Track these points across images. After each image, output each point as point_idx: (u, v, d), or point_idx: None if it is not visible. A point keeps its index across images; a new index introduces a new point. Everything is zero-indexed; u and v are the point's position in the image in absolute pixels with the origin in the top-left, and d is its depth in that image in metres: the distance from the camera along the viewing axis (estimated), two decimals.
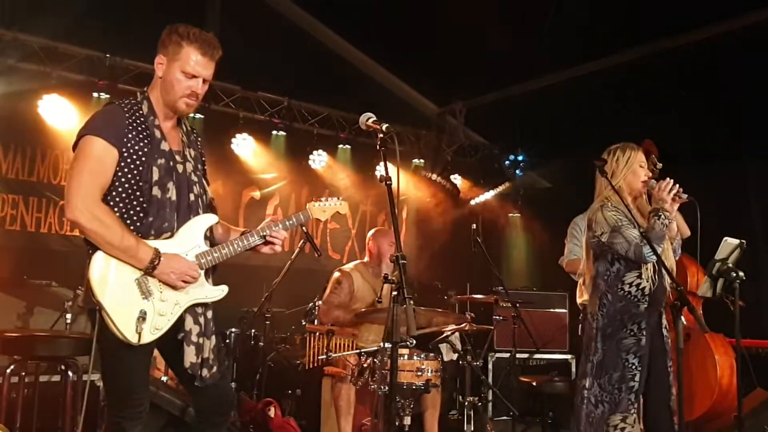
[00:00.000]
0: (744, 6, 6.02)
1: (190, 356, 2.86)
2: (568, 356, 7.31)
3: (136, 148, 2.82)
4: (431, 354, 4.74)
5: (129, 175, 2.81)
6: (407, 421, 4.59)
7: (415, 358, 4.62)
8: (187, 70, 2.90)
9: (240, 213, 7.61)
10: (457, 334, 5.52)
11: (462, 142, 8.84)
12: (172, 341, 2.88)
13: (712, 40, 6.33)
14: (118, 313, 2.71)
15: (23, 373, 4.59)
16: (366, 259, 5.47)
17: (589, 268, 4.00)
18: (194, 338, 2.88)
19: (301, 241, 5.05)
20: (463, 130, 8.73)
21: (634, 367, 3.76)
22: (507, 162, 8.87)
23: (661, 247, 3.73)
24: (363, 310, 4.84)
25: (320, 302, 5.48)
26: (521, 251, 8.89)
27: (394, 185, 2.93)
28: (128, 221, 2.81)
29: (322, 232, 8.23)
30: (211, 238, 3.06)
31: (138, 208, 2.83)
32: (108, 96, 6.48)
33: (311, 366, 5.07)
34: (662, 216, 3.64)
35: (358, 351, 4.78)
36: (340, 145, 8.05)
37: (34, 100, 6.14)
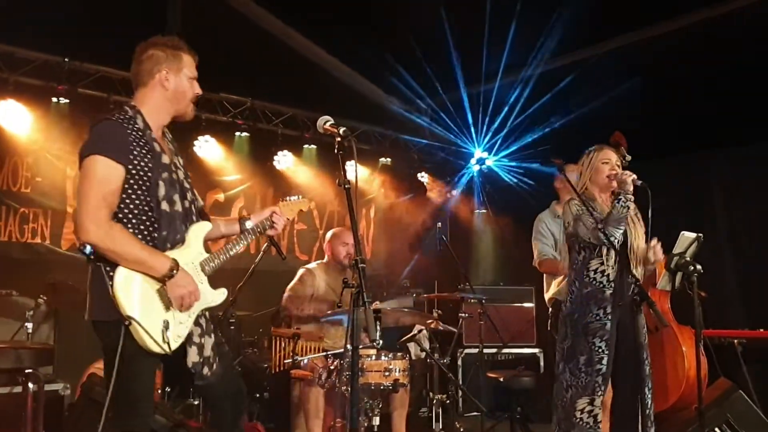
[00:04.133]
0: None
1: (192, 356, 2.96)
2: (536, 350, 7.38)
3: (142, 164, 2.87)
4: (399, 353, 4.75)
5: (138, 192, 2.87)
6: (376, 421, 4.60)
7: (382, 358, 4.61)
8: (192, 75, 3.08)
9: None
10: (425, 332, 5.54)
11: (429, 140, 8.86)
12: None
13: (674, 33, 6.43)
14: (148, 323, 2.79)
15: None
16: (326, 259, 5.49)
17: (560, 267, 4.32)
18: (196, 339, 2.98)
19: (265, 244, 5.03)
20: (430, 127, 8.76)
21: (601, 350, 3.90)
22: (473, 159, 8.90)
23: (621, 229, 3.91)
24: (329, 312, 4.82)
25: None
26: (488, 247, 8.93)
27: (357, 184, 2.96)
28: (140, 236, 2.87)
29: (289, 233, 8.18)
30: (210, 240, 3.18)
31: (148, 223, 2.90)
32: (68, 101, 6.39)
33: (278, 370, 5.06)
34: (622, 199, 3.87)
35: (324, 353, 4.78)
36: (306, 146, 8.00)
37: None
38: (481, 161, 8.80)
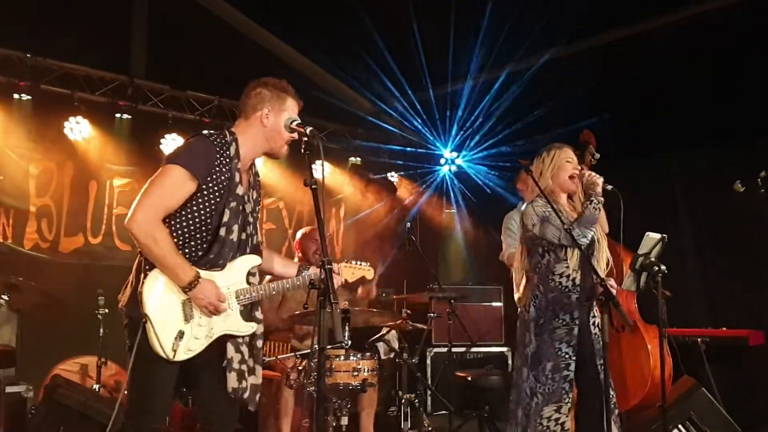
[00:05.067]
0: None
1: (232, 382, 3.05)
2: (504, 349, 7.43)
3: (217, 187, 3.01)
4: (367, 353, 4.75)
5: (202, 210, 3.01)
6: (344, 421, 4.60)
7: (351, 358, 4.61)
8: (293, 119, 3.17)
9: None
10: (393, 332, 5.55)
11: (398, 140, 8.87)
12: (215, 367, 3.09)
13: (638, 35, 6.51)
14: (161, 327, 2.92)
15: None
16: (295, 260, 5.45)
17: (522, 264, 4.12)
18: (236, 365, 3.08)
19: None
20: (399, 127, 8.76)
21: (568, 356, 3.86)
22: (442, 159, 8.92)
23: (592, 231, 3.89)
24: (297, 312, 4.80)
25: None
26: (458, 246, 8.97)
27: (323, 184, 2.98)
28: (186, 248, 3.02)
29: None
30: (257, 275, 3.26)
31: (200, 241, 3.03)
32: (30, 98, 6.28)
33: None
34: (594, 201, 3.85)
35: (293, 354, 4.76)
36: None
37: None
38: (450, 161, 8.83)
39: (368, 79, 7.79)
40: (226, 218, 3.02)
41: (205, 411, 3.28)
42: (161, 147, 7.04)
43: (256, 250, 3.26)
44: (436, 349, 7.22)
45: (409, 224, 5.68)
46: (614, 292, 3.69)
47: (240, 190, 3.09)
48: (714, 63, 6.07)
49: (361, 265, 3.55)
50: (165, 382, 3.04)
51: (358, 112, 8.53)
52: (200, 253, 3.03)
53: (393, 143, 8.90)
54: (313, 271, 3.33)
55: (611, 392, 3.78)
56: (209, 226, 3.02)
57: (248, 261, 3.18)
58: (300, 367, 4.61)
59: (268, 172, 7.93)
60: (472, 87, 7.78)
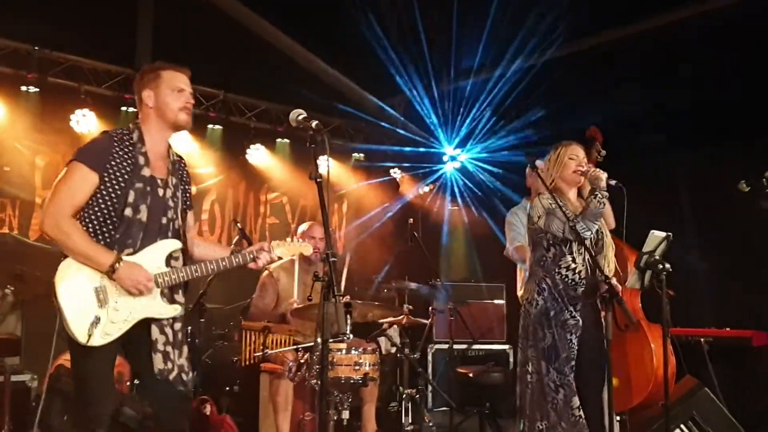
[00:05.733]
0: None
1: (157, 363, 3.11)
2: (506, 346, 7.42)
3: (119, 173, 3.12)
4: (369, 348, 4.76)
5: (107, 197, 3.11)
6: (345, 415, 4.61)
7: (352, 352, 4.62)
8: (174, 87, 3.27)
9: None
10: (395, 327, 5.56)
11: (402, 136, 8.87)
12: (140, 351, 3.16)
13: (643, 33, 6.50)
14: (72, 314, 2.99)
15: None
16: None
17: (528, 257, 4.20)
18: (160, 347, 3.14)
19: (236, 237, 5.01)
20: (402, 123, 8.76)
21: (575, 346, 3.93)
22: (446, 155, 8.92)
23: (597, 224, 3.94)
24: (300, 305, 4.82)
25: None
26: (460, 244, 8.96)
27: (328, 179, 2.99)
28: (100, 236, 3.11)
29: (261, 228, 8.17)
30: (180, 259, 3.29)
31: (110, 225, 3.12)
32: (37, 90, 6.32)
33: (247, 363, 5.04)
34: (598, 195, 3.89)
35: (294, 347, 4.77)
36: (279, 139, 7.99)
37: None
38: (453, 158, 8.83)
39: (373, 74, 7.80)
40: (131, 198, 3.11)
41: (150, 398, 3.28)
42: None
43: (179, 234, 3.30)
44: (437, 346, 7.23)
45: (411, 220, 5.68)
46: (619, 288, 3.71)
47: (146, 172, 3.17)
48: (718, 62, 6.06)
49: (298, 244, 3.57)
50: (99, 376, 3.10)
51: (362, 108, 8.54)
52: (112, 236, 3.11)
53: (397, 139, 8.91)
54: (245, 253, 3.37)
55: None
56: (117, 209, 3.11)
57: (167, 245, 3.23)
58: (302, 360, 4.61)
59: (272, 167, 7.97)
60: (478, 83, 7.78)
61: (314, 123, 3.13)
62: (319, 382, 4.38)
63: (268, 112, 7.86)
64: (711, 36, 5.93)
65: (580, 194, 4.19)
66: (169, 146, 3.40)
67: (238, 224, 5.02)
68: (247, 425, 5.35)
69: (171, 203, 3.27)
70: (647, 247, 3.93)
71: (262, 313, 5.22)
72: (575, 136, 4.31)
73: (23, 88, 6.28)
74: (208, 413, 4.64)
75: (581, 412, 3.86)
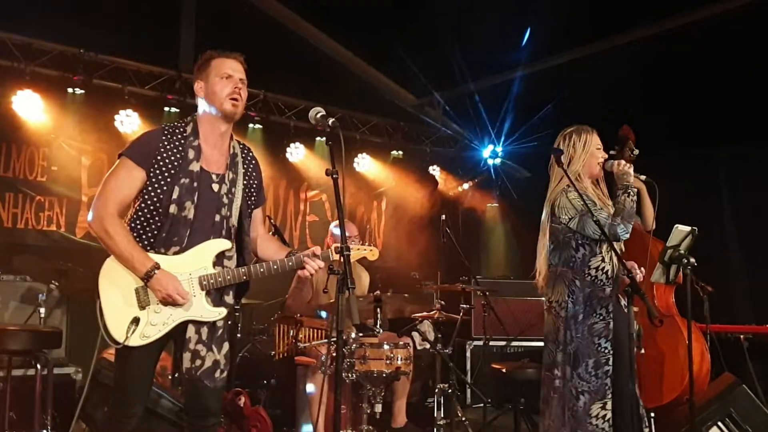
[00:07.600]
0: None
1: (186, 362, 3.07)
2: None
3: (164, 169, 3.07)
4: (401, 342, 4.80)
5: (152, 193, 3.06)
6: (378, 408, 4.67)
7: (385, 346, 4.68)
8: (222, 74, 3.16)
9: None
10: (427, 322, 5.59)
11: (440, 134, 8.89)
12: (175, 347, 3.16)
13: (687, 27, 6.40)
14: (111, 313, 3.01)
15: None
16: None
17: (545, 256, 4.03)
18: (192, 345, 3.08)
19: (270, 233, 5.09)
20: (441, 121, 8.78)
21: (607, 351, 3.79)
22: (485, 152, 8.91)
23: (632, 223, 3.80)
24: (332, 301, 4.88)
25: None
26: (500, 241, 8.95)
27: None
28: (144, 235, 3.08)
29: (301, 225, 8.28)
30: (234, 259, 3.21)
31: (156, 223, 3.08)
32: (83, 92, 6.52)
33: (281, 356, 5.13)
34: (630, 192, 3.77)
35: (326, 340, 4.84)
36: (318, 138, 8.07)
37: (8, 96, 6.19)
38: (493, 155, 8.81)
39: (411, 71, 7.82)
40: (176, 195, 3.05)
41: (182, 392, 3.32)
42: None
43: (229, 235, 3.20)
44: (476, 342, 7.23)
45: (444, 217, 5.69)
46: (639, 277, 3.64)
47: (195, 167, 3.10)
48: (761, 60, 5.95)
49: (363, 247, 3.51)
50: (137, 371, 3.08)
51: (401, 105, 8.57)
52: (158, 235, 3.07)
53: (435, 136, 8.92)
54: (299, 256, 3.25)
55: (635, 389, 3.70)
56: (163, 206, 3.06)
57: (215, 245, 3.14)
58: (334, 354, 4.67)
59: (311, 165, 8.06)
60: (518, 80, 7.75)
61: (330, 120, 3.15)
62: (351, 375, 4.50)
63: (307, 111, 7.88)
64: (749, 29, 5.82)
65: (596, 184, 4.05)
66: (231, 138, 3.29)
67: (272, 221, 5.10)
68: (285, 418, 5.45)
69: (225, 200, 3.17)
70: (671, 242, 3.86)
71: (299, 306, 5.31)
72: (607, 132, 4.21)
73: (69, 90, 6.50)
74: (242, 405, 4.73)
75: (598, 421, 3.76)
